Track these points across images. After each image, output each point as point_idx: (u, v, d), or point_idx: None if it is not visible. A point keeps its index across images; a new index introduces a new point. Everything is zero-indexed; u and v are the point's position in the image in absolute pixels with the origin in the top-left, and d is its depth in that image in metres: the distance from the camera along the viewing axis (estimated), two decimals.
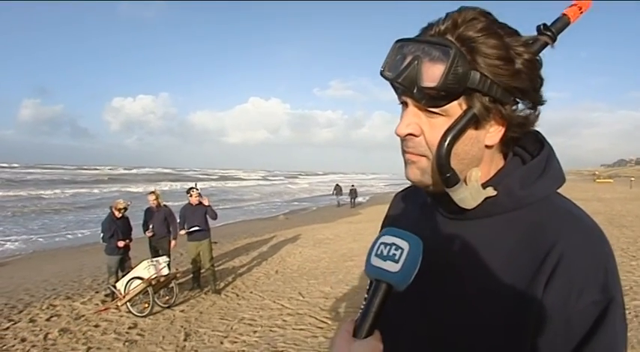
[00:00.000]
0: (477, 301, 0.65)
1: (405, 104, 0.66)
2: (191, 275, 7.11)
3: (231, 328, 5.17)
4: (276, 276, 7.75)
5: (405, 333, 0.74)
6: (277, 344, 4.54)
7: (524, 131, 0.68)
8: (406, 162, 0.69)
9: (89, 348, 4.72)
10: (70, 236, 14.61)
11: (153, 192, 7.40)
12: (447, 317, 0.68)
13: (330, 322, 5.16)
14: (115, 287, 6.19)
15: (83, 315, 5.76)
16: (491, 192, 0.66)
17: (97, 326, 5.38)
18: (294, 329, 5.00)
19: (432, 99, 0.62)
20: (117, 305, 5.92)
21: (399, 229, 0.67)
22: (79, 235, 14.69)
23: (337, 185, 26.67)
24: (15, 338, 4.94)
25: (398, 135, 0.67)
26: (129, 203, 7.07)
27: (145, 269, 6.12)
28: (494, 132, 0.66)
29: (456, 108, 0.62)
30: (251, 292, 6.76)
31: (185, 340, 4.88)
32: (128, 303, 5.85)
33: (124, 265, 6.75)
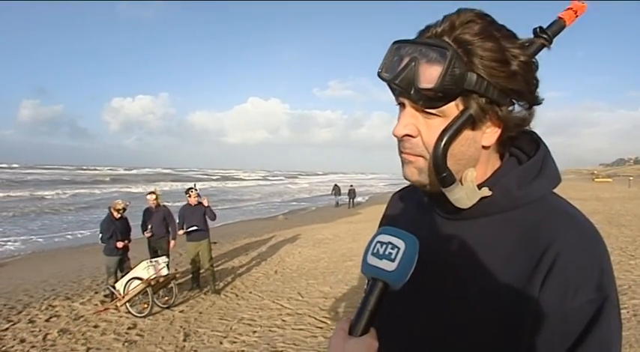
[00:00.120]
0: (474, 300, 0.66)
1: (402, 105, 0.67)
2: (190, 276, 7.10)
3: (231, 328, 5.18)
4: (276, 276, 7.75)
5: (401, 332, 0.75)
6: (277, 344, 4.55)
7: (520, 131, 0.68)
8: (403, 162, 0.69)
9: (88, 349, 4.71)
10: (69, 236, 14.57)
11: (153, 192, 7.39)
12: (443, 316, 0.69)
13: (329, 322, 5.16)
14: (114, 287, 6.19)
15: (82, 316, 5.75)
16: (486, 192, 0.67)
17: (96, 326, 5.38)
18: (293, 329, 5.01)
19: (429, 101, 0.62)
20: (116, 306, 5.92)
21: (395, 228, 0.68)
22: (79, 236, 14.64)
23: (335, 185, 26.68)
24: (14, 339, 4.94)
25: (395, 136, 0.67)
26: (127, 203, 7.06)
27: (144, 269, 6.11)
28: (490, 133, 0.66)
29: (452, 109, 0.63)
30: (250, 292, 6.76)
31: (184, 340, 4.88)
32: (127, 304, 5.84)
33: (123, 265, 6.75)
